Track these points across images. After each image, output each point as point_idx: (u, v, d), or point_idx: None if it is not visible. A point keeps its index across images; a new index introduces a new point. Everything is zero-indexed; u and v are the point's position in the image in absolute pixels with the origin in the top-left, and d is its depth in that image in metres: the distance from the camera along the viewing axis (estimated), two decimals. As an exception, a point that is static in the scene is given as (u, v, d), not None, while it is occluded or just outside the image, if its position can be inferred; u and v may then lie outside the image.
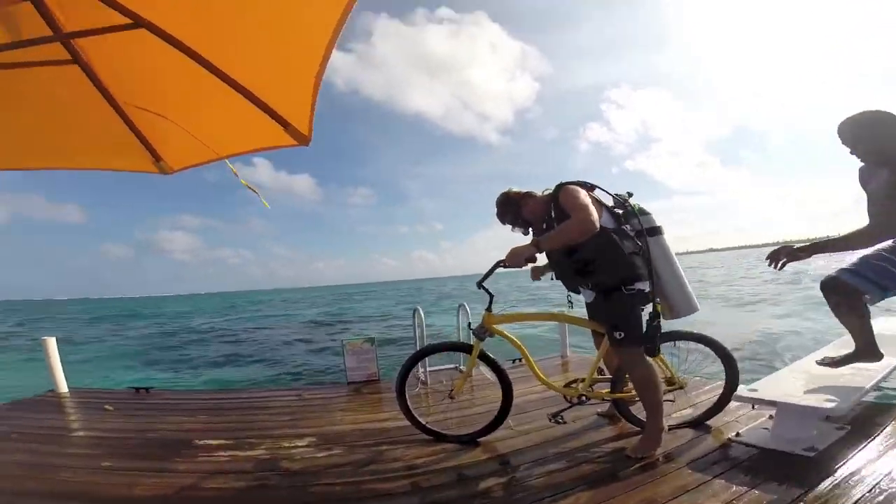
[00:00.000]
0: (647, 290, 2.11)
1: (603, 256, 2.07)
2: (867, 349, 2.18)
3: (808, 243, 2.02)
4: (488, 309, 2.39)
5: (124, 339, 18.44)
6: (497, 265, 2.21)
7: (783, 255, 2.02)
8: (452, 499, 1.93)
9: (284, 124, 1.77)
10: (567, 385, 2.50)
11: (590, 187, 2.19)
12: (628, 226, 2.18)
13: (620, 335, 2.10)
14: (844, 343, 2.41)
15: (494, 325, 2.40)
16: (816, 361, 2.38)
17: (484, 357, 2.46)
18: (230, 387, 5.23)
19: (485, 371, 2.57)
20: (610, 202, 2.26)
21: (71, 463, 2.35)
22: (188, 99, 1.88)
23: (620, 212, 2.22)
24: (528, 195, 2.38)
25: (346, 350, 4.07)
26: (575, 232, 1.98)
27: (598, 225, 1.95)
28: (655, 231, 2.21)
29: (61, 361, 3.95)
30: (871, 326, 2.13)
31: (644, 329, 2.12)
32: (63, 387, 3.87)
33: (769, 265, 2.07)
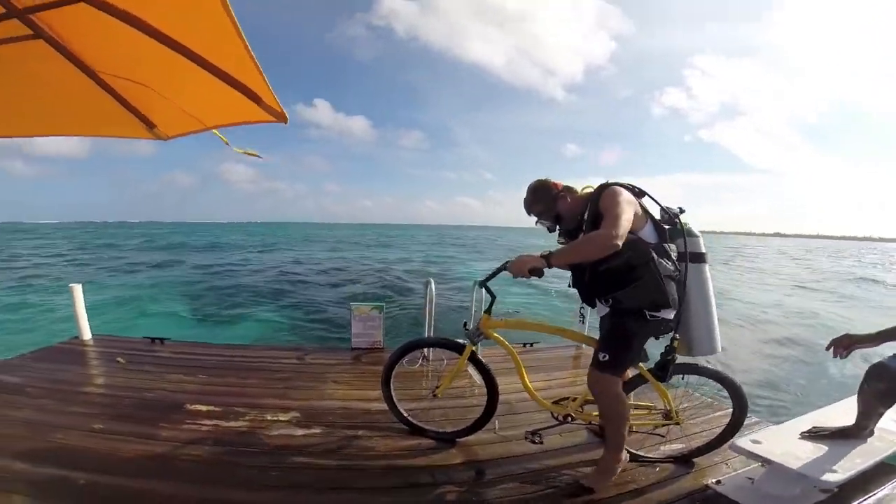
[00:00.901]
0: (670, 319, 1.92)
1: (635, 274, 1.85)
2: (864, 430, 2.08)
3: (876, 332, 1.78)
4: (487, 311, 2.29)
5: (179, 271, 19.71)
6: (501, 268, 2.11)
7: (846, 343, 1.80)
8: (412, 502, 1.97)
9: (257, 100, 1.68)
10: (557, 402, 2.38)
11: (638, 193, 1.96)
12: (672, 245, 1.96)
13: (604, 357, 1.95)
14: (845, 410, 2.21)
15: (491, 330, 2.29)
16: (804, 432, 2.15)
17: (474, 359, 2.37)
18: (241, 340, 5.44)
19: (473, 373, 2.48)
20: (657, 214, 2.04)
21: (67, 423, 2.51)
22: (166, 71, 1.81)
23: (667, 227, 1.99)
24: (568, 189, 2.13)
25: (353, 315, 4.11)
26: (593, 249, 1.79)
27: (620, 243, 1.72)
28: (700, 258, 2.00)
29: (88, 305, 4.18)
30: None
31: (636, 353, 1.99)
32: (87, 334, 4.12)
33: (832, 354, 1.83)
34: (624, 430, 2.04)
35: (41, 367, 3.38)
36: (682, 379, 2.25)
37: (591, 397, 2.23)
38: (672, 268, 1.88)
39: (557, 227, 2.17)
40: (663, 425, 2.30)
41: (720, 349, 2.05)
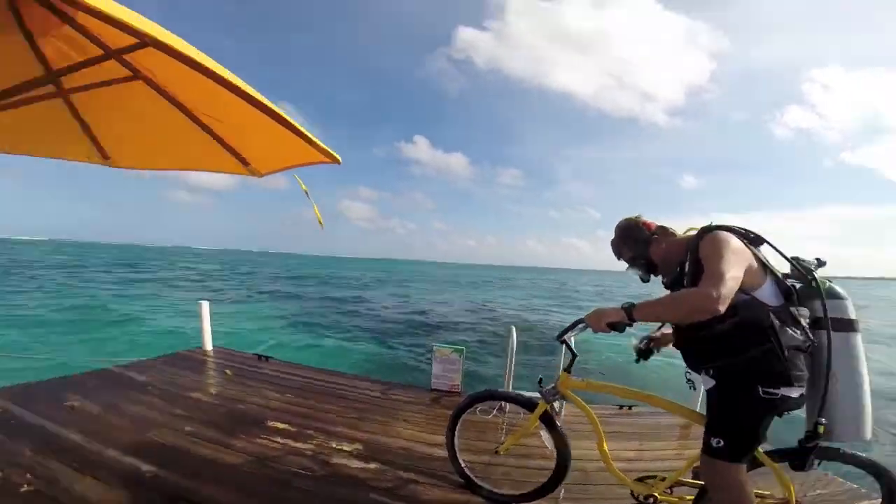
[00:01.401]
0: (796, 396, 1.52)
1: (747, 343, 1.49)
2: None
3: None
4: (567, 369, 2.01)
5: (304, 300, 21.92)
6: (578, 321, 1.83)
7: None
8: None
9: (313, 144, 1.81)
10: (641, 479, 2.03)
11: (754, 240, 1.59)
12: (803, 309, 1.55)
13: (718, 443, 1.57)
14: None
15: (569, 390, 2.01)
16: None
17: (548, 420, 2.07)
18: (336, 366, 5.67)
19: (544, 436, 2.17)
20: (784, 268, 1.65)
21: (165, 421, 2.79)
22: (244, 115, 2.02)
23: (797, 286, 1.61)
24: (664, 231, 1.80)
25: (435, 357, 4.06)
26: (686, 311, 1.43)
27: (722, 307, 1.35)
28: (846, 325, 1.57)
29: (211, 321, 4.75)
30: None
31: (758, 436, 1.56)
32: (209, 345, 4.66)
33: None
34: None
35: (166, 370, 3.85)
36: (818, 465, 1.74)
37: (685, 478, 1.93)
38: (802, 338, 1.48)
39: (651, 276, 1.86)
40: None
41: (869, 436, 1.57)
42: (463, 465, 2.35)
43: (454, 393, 3.92)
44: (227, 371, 3.98)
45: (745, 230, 1.59)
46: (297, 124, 1.60)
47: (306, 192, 2.14)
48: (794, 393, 1.50)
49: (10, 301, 15.39)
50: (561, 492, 2.17)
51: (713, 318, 1.41)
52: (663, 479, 1.97)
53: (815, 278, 1.59)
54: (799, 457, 1.64)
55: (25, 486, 1.92)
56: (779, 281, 1.56)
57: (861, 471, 1.78)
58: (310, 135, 1.69)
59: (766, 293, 1.52)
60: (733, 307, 1.41)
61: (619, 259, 1.91)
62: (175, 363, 4.11)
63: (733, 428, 1.57)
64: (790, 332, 1.48)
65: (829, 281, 1.61)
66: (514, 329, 3.61)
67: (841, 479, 2.12)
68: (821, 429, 1.54)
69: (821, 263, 1.63)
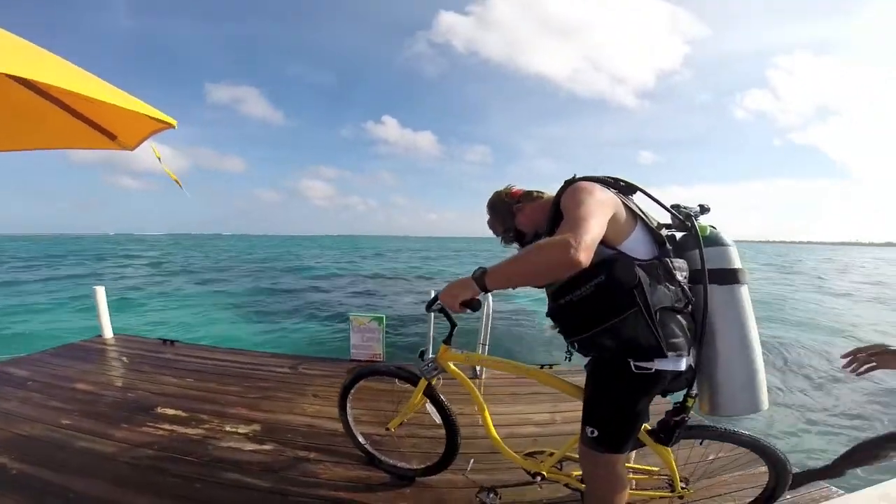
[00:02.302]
0: (680, 370, 1.33)
1: (612, 306, 1.27)
2: None
3: None
4: (446, 340, 1.89)
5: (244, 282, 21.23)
6: (435, 299, 1.61)
7: (865, 357, 1.35)
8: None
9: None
10: (530, 454, 1.97)
11: (624, 188, 1.41)
12: (680, 261, 1.36)
13: (593, 433, 1.41)
14: None
15: (449, 363, 1.91)
16: None
17: (431, 396, 1.99)
18: (248, 346, 5.55)
19: (431, 411, 2.05)
20: (662, 218, 1.48)
21: (39, 416, 2.64)
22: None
23: (676, 236, 1.47)
24: (528, 196, 1.64)
25: (352, 326, 4.05)
26: (543, 264, 1.15)
27: (584, 256, 1.10)
28: (729, 276, 1.37)
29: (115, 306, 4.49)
30: None
31: (638, 421, 1.42)
32: (108, 333, 4.41)
33: (845, 366, 1.39)
34: None
35: (53, 363, 3.62)
36: (702, 443, 1.70)
37: (572, 453, 1.79)
38: (674, 296, 1.30)
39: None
40: (664, 497, 1.85)
41: (764, 406, 1.39)
42: (362, 440, 2.34)
43: (376, 362, 3.96)
44: (124, 358, 3.80)
45: (615, 179, 1.41)
46: (118, 95, 1.52)
47: (159, 159, 2.06)
48: (671, 365, 1.30)
49: None
50: (471, 462, 2.16)
51: (576, 280, 1.26)
52: (552, 455, 1.90)
53: (694, 225, 1.40)
54: (663, 432, 1.53)
55: None
56: (652, 231, 1.36)
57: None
58: (140, 102, 1.61)
59: (635, 244, 1.32)
60: (596, 266, 1.20)
61: (497, 235, 1.76)
62: (64, 354, 3.86)
63: (606, 414, 1.41)
64: (662, 289, 1.27)
65: (713, 227, 1.43)
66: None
67: (724, 455, 1.92)
68: (689, 402, 1.43)
69: (704, 210, 1.46)
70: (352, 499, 2.04)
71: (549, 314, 1.48)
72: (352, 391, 2.24)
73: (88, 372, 3.47)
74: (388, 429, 2.15)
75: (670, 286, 1.30)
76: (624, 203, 1.34)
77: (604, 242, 1.23)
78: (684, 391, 1.44)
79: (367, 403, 2.58)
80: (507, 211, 1.67)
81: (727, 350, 1.37)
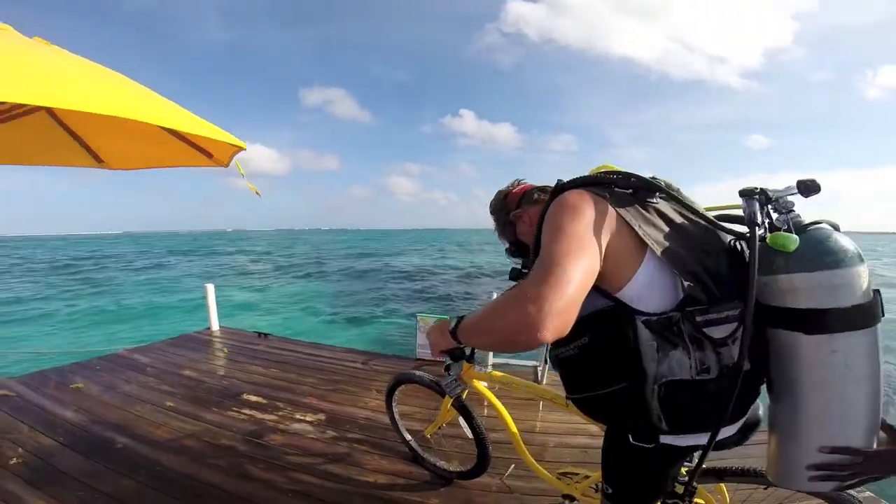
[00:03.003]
0: (699, 444, 0.97)
1: (591, 372, 0.97)
2: None
3: None
4: (469, 358, 1.76)
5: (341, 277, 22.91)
6: None
7: None
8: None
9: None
10: (563, 475, 1.85)
11: (637, 190, 0.95)
12: (722, 310, 0.88)
13: (608, 489, 1.18)
14: None
15: (475, 381, 1.83)
16: None
17: (462, 409, 1.96)
18: (333, 340, 5.93)
19: (463, 425, 2.02)
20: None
21: (150, 398, 3.12)
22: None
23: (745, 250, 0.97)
24: (529, 198, 1.28)
25: (418, 326, 4.21)
26: (501, 336, 0.86)
27: (552, 332, 0.75)
28: (831, 320, 0.84)
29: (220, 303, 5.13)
30: None
31: (656, 490, 1.15)
32: (215, 325, 5.04)
33: None
34: None
35: (169, 352, 4.24)
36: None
37: None
38: (697, 365, 0.88)
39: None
40: None
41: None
42: (408, 437, 2.45)
43: (440, 362, 4.08)
44: (224, 349, 4.33)
45: (621, 175, 0.96)
46: (200, 125, 1.83)
47: (243, 175, 2.38)
48: (683, 441, 0.98)
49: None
50: (511, 467, 2.26)
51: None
52: (587, 478, 1.77)
53: (754, 235, 0.86)
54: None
55: (14, 458, 2.24)
56: (677, 259, 0.89)
57: None
58: (217, 130, 1.94)
59: (643, 287, 0.90)
60: (582, 321, 0.85)
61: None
62: (179, 344, 4.49)
63: (617, 478, 1.16)
64: (678, 355, 0.88)
65: (815, 228, 0.88)
66: (494, 294, 3.64)
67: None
68: (700, 464, 1.06)
69: (809, 189, 0.88)
70: (389, 490, 2.16)
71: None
72: (396, 392, 2.33)
73: (195, 360, 4.01)
74: (424, 434, 2.22)
75: (694, 351, 0.88)
76: (626, 222, 0.89)
77: (598, 287, 0.89)
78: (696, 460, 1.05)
79: (421, 401, 2.68)
80: (508, 221, 1.34)
81: (805, 416, 0.93)
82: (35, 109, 2.23)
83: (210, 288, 5.04)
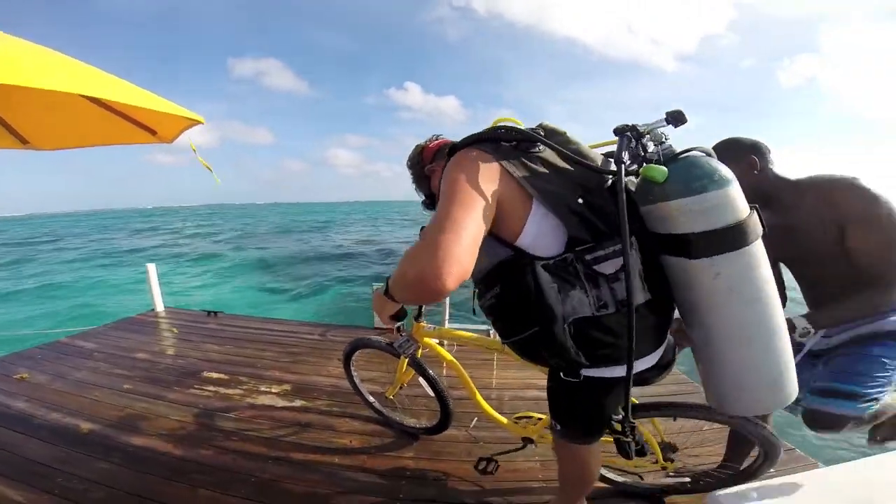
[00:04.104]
0: (621, 376, 1.03)
1: (509, 319, 1.06)
2: None
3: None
4: (417, 317, 1.91)
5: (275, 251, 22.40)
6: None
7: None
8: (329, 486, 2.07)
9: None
10: (518, 419, 2.00)
11: (520, 144, 1.00)
12: (608, 247, 0.95)
13: (556, 426, 1.30)
14: None
15: (426, 339, 1.96)
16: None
17: (418, 367, 2.10)
18: (283, 313, 5.98)
19: (423, 383, 2.16)
20: (593, 156, 1.04)
21: (106, 382, 3.08)
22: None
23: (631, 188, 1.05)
24: (442, 154, 1.36)
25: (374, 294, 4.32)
26: (409, 291, 0.96)
27: (452, 282, 0.82)
28: (706, 243, 0.91)
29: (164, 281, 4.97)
30: None
31: (595, 421, 1.25)
32: (160, 307, 4.90)
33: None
34: (585, 492, 1.52)
35: (114, 335, 4.11)
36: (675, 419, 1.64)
37: None
38: (595, 301, 0.97)
39: None
40: (650, 469, 1.83)
41: (790, 398, 1.04)
42: (371, 400, 2.58)
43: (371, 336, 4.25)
44: (174, 329, 4.26)
45: (504, 129, 1.01)
46: (151, 100, 1.82)
47: (194, 151, 2.33)
48: (606, 373, 1.06)
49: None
50: (474, 420, 2.47)
51: (480, 284, 1.07)
52: (540, 420, 1.93)
53: (620, 171, 0.92)
54: (619, 448, 1.46)
55: None
56: (563, 209, 0.95)
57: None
58: (171, 104, 1.93)
59: (536, 235, 0.97)
60: (492, 272, 0.99)
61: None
62: (123, 327, 4.35)
63: (562, 413, 1.27)
64: (577, 294, 0.96)
65: (686, 156, 0.94)
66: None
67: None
68: (616, 425, 1.29)
69: (676, 120, 0.95)
70: (364, 448, 2.34)
71: None
72: (353, 358, 2.43)
73: (144, 343, 3.93)
74: (385, 396, 2.41)
75: (591, 288, 0.96)
76: (513, 175, 0.95)
77: (499, 238, 0.98)
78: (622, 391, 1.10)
79: (379, 366, 2.85)
80: (421, 172, 1.43)
81: (715, 341, 1.02)
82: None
83: (152, 268, 4.86)
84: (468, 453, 2.26)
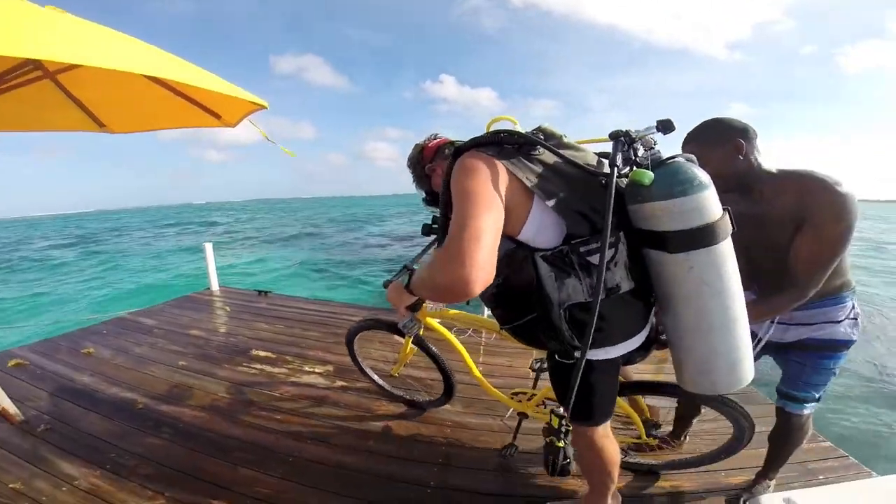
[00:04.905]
0: (609, 357, 1.17)
1: (510, 306, 1.18)
2: None
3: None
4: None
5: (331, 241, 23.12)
6: (387, 283, 1.49)
7: None
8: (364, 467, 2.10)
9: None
10: (514, 395, 2.07)
11: (519, 145, 1.07)
12: (597, 240, 1.03)
13: (559, 407, 1.25)
14: None
15: (429, 319, 1.99)
16: None
17: (421, 345, 2.20)
18: (330, 297, 6.09)
19: (427, 359, 2.27)
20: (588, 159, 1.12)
21: (162, 358, 3.22)
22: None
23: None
24: (441, 154, 1.40)
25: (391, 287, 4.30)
26: (438, 288, 0.99)
27: (480, 286, 0.91)
28: (689, 239, 1.01)
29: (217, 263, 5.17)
30: None
31: (594, 402, 1.27)
32: (215, 286, 5.11)
33: None
34: (611, 480, 1.52)
35: (173, 312, 4.31)
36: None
37: (551, 395, 1.87)
38: (587, 288, 1.05)
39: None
40: (633, 442, 2.00)
41: (748, 379, 1.15)
42: (376, 378, 2.65)
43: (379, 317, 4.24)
44: (227, 307, 4.42)
45: (506, 133, 1.08)
46: (219, 83, 1.85)
47: (266, 137, 2.41)
48: (598, 355, 1.16)
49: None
50: (510, 410, 2.41)
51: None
52: (533, 396, 2.01)
53: (611, 174, 0.99)
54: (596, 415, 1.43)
55: (42, 426, 2.34)
56: (560, 201, 1.03)
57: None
58: (237, 89, 1.97)
59: (536, 229, 1.06)
60: (498, 262, 1.00)
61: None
62: (181, 305, 4.57)
63: (563, 394, 1.28)
64: (572, 282, 1.05)
65: (669, 162, 1.04)
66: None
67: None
68: (554, 421, 1.16)
69: (665, 127, 1.06)
70: (398, 432, 2.33)
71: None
72: (355, 339, 2.50)
73: (199, 320, 4.10)
74: (391, 374, 2.52)
75: (584, 277, 1.05)
76: (515, 175, 1.02)
77: (504, 233, 1.01)
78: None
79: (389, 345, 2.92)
80: (424, 175, 1.46)
81: (684, 328, 1.13)
82: (37, 79, 2.19)
83: (209, 247, 5.07)
84: (501, 442, 2.20)
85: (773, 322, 1.53)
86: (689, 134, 1.44)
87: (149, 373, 2.98)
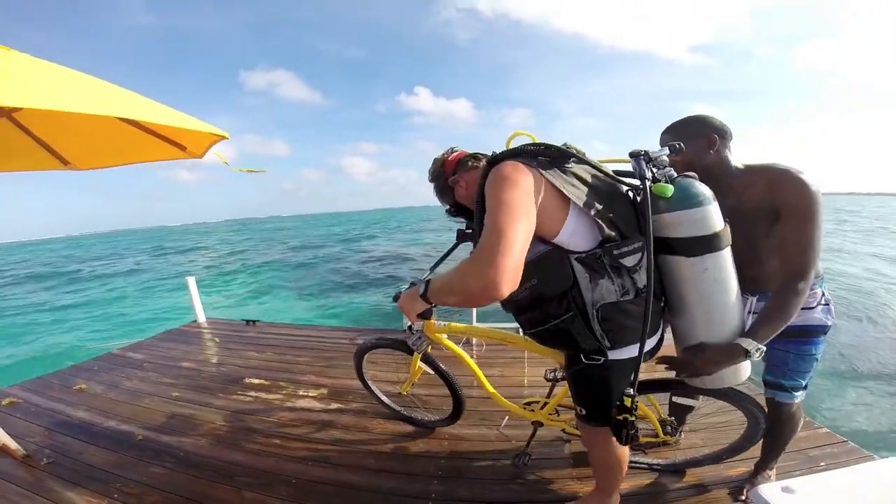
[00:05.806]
0: (632, 356, 1.23)
1: (543, 308, 1.25)
2: None
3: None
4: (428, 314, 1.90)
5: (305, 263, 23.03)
6: (397, 297, 1.53)
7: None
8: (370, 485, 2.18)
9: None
10: (526, 405, 2.14)
11: (555, 158, 1.19)
12: (628, 244, 1.18)
13: (581, 411, 1.46)
14: None
15: (437, 335, 2.06)
16: None
17: (429, 362, 2.24)
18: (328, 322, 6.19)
19: (435, 376, 2.31)
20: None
21: (156, 391, 3.26)
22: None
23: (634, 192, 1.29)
24: (464, 166, 1.46)
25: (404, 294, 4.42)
26: (465, 293, 1.08)
27: (507, 289, 0.99)
28: (702, 245, 1.18)
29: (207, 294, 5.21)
30: None
31: (614, 401, 1.35)
32: (202, 318, 5.13)
33: None
34: (618, 480, 1.64)
35: (162, 346, 4.34)
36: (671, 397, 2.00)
37: (564, 402, 2.01)
38: (619, 289, 1.18)
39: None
40: (651, 442, 2.04)
41: (745, 376, 1.34)
42: (385, 399, 2.72)
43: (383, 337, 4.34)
44: (216, 339, 4.47)
45: (544, 146, 1.19)
46: (175, 116, 1.93)
47: (227, 163, 2.49)
48: (622, 354, 1.27)
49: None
50: (505, 419, 2.51)
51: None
52: (545, 405, 2.06)
53: (646, 189, 1.12)
54: (614, 431, 1.42)
55: (45, 459, 2.38)
56: (592, 213, 1.16)
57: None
58: (195, 120, 2.05)
59: (572, 234, 1.17)
60: (529, 265, 1.07)
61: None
62: (169, 338, 4.59)
63: (585, 397, 1.43)
64: (605, 283, 1.17)
65: (684, 179, 1.21)
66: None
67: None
68: (626, 400, 1.28)
69: (676, 149, 1.19)
70: (398, 448, 2.42)
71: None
72: (364, 359, 2.58)
73: (189, 352, 4.13)
74: (400, 393, 2.52)
75: (616, 278, 1.17)
76: (553, 184, 1.13)
77: (538, 236, 1.13)
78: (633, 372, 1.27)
79: (391, 365, 3.02)
80: (447, 187, 1.52)
81: (696, 324, 1.27)
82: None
83: (192, 280, 5.10)
84: (500, 452, 2.32)
85: (750, 313, 1.56)
86: (669, 125, 1.52)
87: (144, 405, 3.03)
